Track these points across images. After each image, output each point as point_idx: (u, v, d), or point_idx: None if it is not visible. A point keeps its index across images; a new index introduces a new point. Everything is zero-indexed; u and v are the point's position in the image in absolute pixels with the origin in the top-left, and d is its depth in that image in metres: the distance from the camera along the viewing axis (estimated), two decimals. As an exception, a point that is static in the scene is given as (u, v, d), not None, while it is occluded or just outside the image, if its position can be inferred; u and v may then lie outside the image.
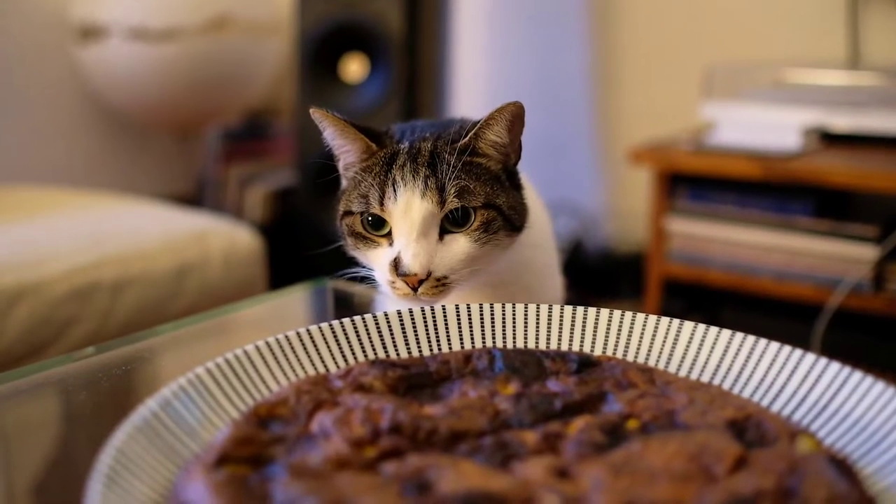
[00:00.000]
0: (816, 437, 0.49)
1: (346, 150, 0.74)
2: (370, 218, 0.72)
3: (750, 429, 0.49)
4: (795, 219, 1.76)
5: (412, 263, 0.69)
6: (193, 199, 2.78)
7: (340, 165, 0.77)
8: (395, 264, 0.70)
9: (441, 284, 0.70)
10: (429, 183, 0.69)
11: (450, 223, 0.70)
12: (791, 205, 1.77)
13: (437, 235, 0.70)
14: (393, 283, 0.70)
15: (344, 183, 0.78)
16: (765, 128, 1.83)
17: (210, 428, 0.51)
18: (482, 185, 0.71)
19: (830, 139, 1.84)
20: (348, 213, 0.74)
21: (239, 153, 2.75)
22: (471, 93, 2.60)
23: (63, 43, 2.47)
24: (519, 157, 0.75)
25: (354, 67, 2.37)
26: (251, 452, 0.46)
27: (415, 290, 0.69)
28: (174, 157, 2.88)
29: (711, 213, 1.86)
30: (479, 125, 0.71)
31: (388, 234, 0.72)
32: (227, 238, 1.74)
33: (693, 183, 1.87)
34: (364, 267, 0.76)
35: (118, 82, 2.47)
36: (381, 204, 0.70)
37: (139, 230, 1.69)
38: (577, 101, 2.56)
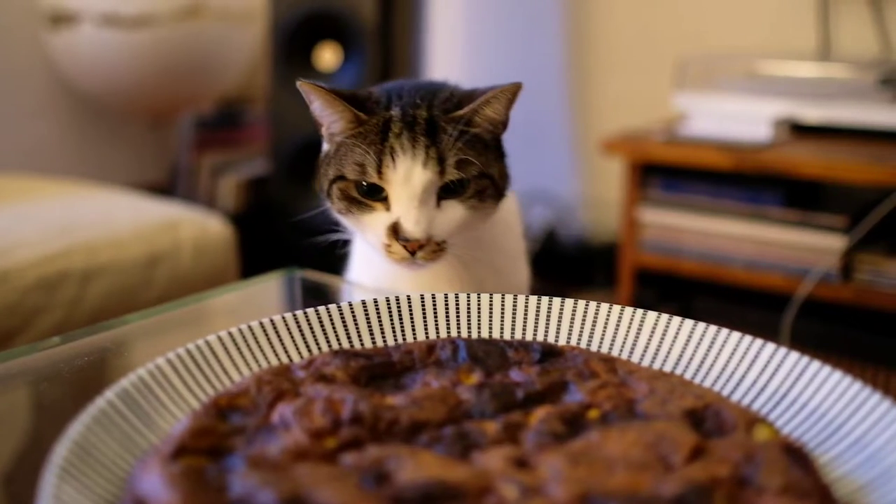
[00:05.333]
0: (774, 425, 0.49)
1: (333, 119, 0.76)
2: (364, 185, 0.74)
3: (708, 418, 0.49)
4: (766, 209, 1.77)
5: (414, 230, 0.72)
6: (166, 187, 2.76)
7: (324, 131, 0.79)
8: (395, 229, 0.73)
9: (439, 249, 0.74)
10: (429, 153, 0.72)
11: (445, 190, 0.74)
12: (762, 195, 1.78)
13: (435, 202, 0.74)
14: (389, 246, 0.73)
15: (326, 147, 0.80)
16: (736, 119, 1.84)
17: (170, 419, 0.50)
18: (478, 156, 0.74)
19: (801, 130, 1.86)
20: (341, 178, 0.75)
21: (212, 141, 2.73)
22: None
23: (33, 29, 2.43)
24: (506, 128, 0.79)
25: (328, 56, 2.35)
26: (210, 444, 0.46)
27: (412, 254, 0.73)
28: (146, 145, 2.85)
29: (684, 204, 1.87)
30: (480, 101, 0.74)
31: (384, 200, 0.74)
32: (198, 227, 1.73)
33: (665, 173, 1.88)
34: (345, 230, 0.79)
35: (90, 69, 2.44)
36: (379, 172, 0.73)
37: (109, 219, 1.67)
38: (552, 91, 2.56)
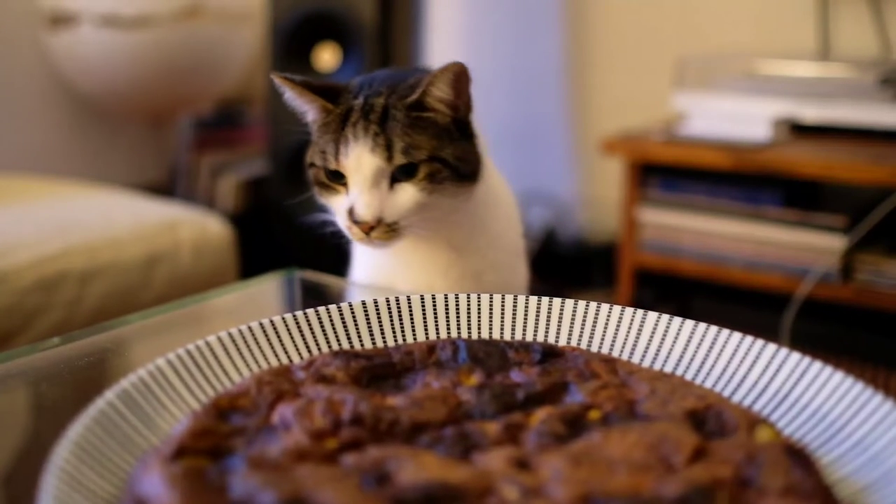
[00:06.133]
0: (776, 426, 0.49)
1: (306, 110, 0.81)
2: (329, 170, 0.78)
3: (710, 419, 0.49)
4: (765, 209, 1.77)
5: (364, 212, 0.76)
6: (165, 187, 2.76)
7: (308, 119, 0.83)
8: (351, 212, 0.76)
9: (391, 230, 0.77)
10: (378, 140, 0.75)
11: (400, 174, 0.76)
12: (761, 195, 1.78)
13: (387, 186, 0.77)
14: (349, 227, 0.78)
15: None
16: (735, 118, 1.84)
17: (170, 420, 0.50)
18: (428, 140, 0.76)
19: (800, 130, 1.86)
20: (312, 164, 0.80)
21: (211, 142, 2.72)
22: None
23: (33, 30, 2.43)
24: (469, 110, 0.80)
25: (327, 56, 2.35)
26: (210, 444, 0.46)
27: (368, 234, 0.77)
28: (146, 146, 2.85)
29: (683, 203, 1.87)
30: (423, 85, 0.76)
31: (345, 184, 0.78)
32: (198, 227, 1.73)
33: (664, 173, 1.88)
34: (328, 212, 0.83)
35: (89, 70, 2.44)
36: (337, 159, 0.77)
37: (108, 219, 1.67)
38: (551, 90, 2.56)
